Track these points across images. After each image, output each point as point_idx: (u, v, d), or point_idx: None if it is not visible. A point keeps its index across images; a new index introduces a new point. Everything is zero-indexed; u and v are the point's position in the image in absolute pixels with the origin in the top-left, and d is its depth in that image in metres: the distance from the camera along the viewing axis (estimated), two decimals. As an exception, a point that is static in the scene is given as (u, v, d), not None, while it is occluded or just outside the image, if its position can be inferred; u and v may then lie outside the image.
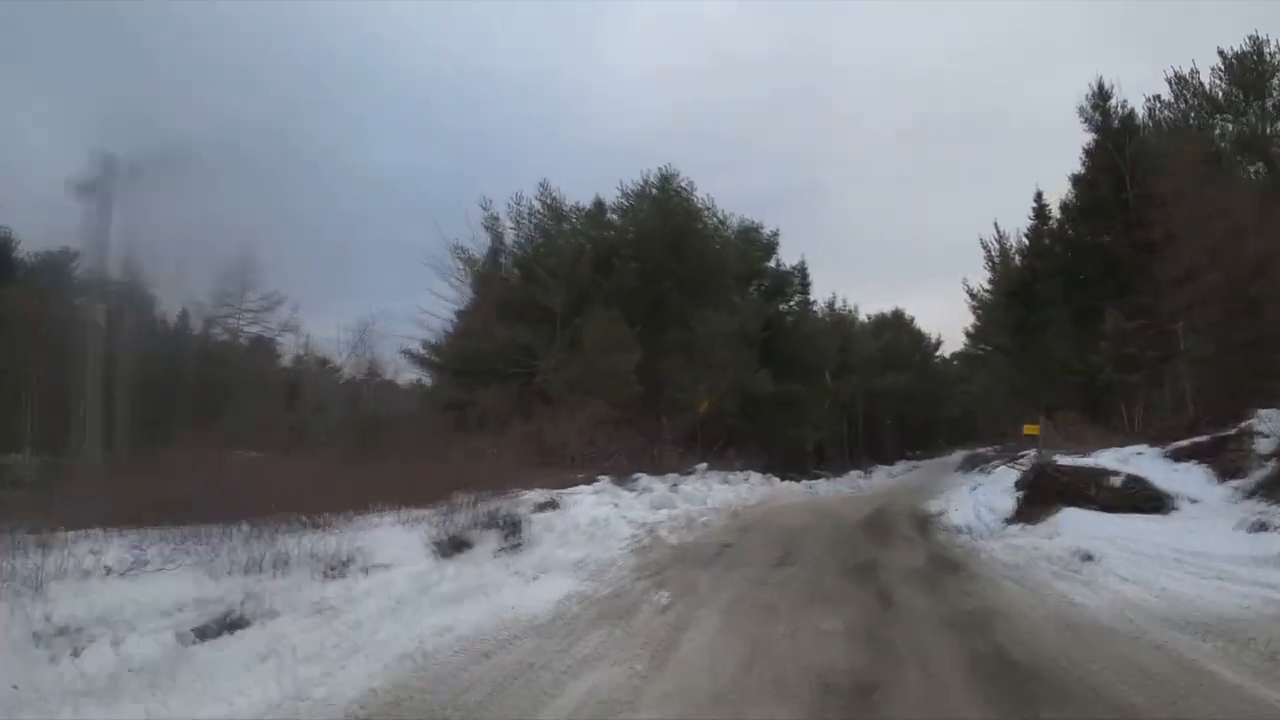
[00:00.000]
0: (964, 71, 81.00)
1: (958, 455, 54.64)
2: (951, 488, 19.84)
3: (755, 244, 26.69)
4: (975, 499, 13.39)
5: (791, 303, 27.57)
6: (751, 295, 24.11)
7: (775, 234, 27.13)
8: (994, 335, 25.58)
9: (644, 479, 13.83)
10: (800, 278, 27.46)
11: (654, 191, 21.71)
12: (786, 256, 28.53)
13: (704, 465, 16.89)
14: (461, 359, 19.68)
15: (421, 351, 21.14)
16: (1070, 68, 60.98)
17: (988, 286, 27.54)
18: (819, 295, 35.94)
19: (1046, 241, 23.92)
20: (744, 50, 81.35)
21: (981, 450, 53.71)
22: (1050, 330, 22.98)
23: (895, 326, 44.49)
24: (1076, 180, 22.50)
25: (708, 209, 22.81)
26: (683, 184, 21.62)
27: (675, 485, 14.19)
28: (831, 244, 74.24)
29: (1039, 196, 24.58)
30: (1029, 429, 15.67)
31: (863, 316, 42.28)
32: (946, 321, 73.88)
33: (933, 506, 14.67)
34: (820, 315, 30.67)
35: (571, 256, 20.21)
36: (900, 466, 37.31)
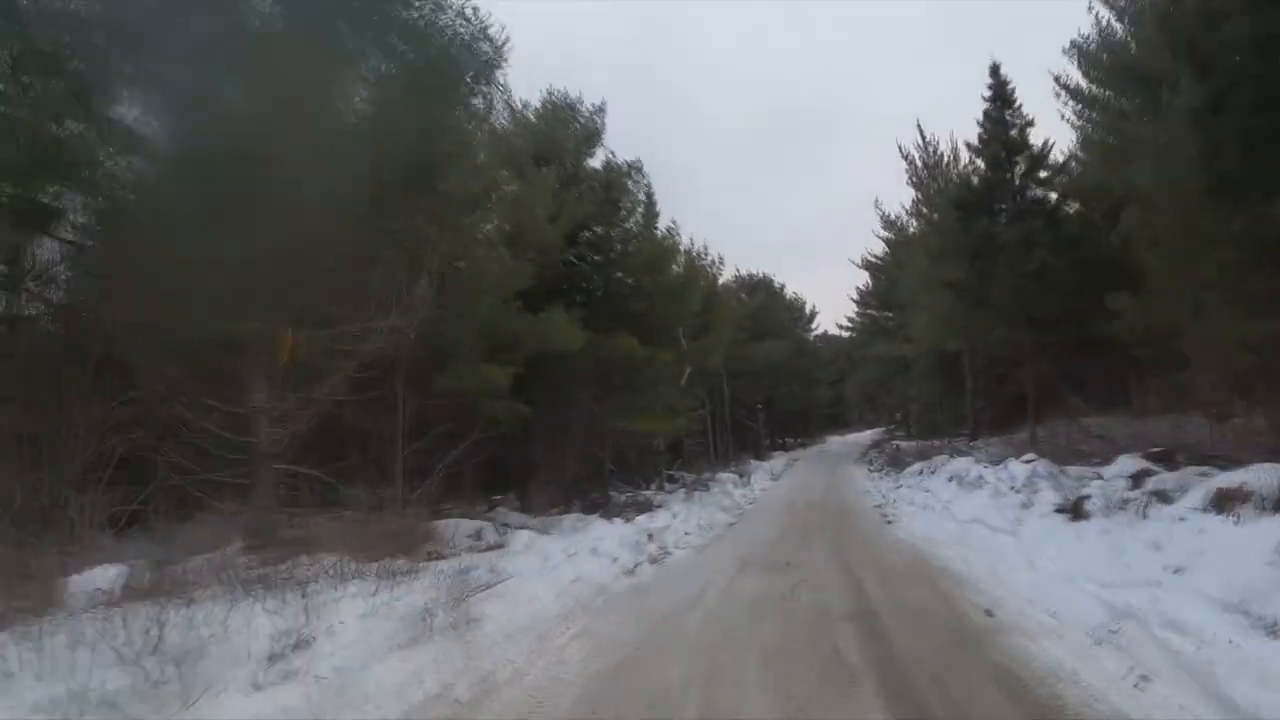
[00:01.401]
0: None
1: (836, 443, 48.82)
2: (927, 512, 10.79)
3: (567, 119, 16.39)
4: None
5: (627, 221, 17.51)
6: (546, 175, 13.74)
7: (600, 111, 16.96)
8: (937, 270, 17.26)
9: None
10: (636, 179, 17.38)
11: None
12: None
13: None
14: None
15: None
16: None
17: (912, 210, 19.47)
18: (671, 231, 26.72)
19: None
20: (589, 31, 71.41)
21: (860, 436, 46.86)
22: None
23: (766, 291, 36.51)
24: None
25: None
26: None
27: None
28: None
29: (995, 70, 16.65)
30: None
31: (728, 274, 33.80)
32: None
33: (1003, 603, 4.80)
34: (666, 241, 21.03)
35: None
36: (779, 462, 29.05)
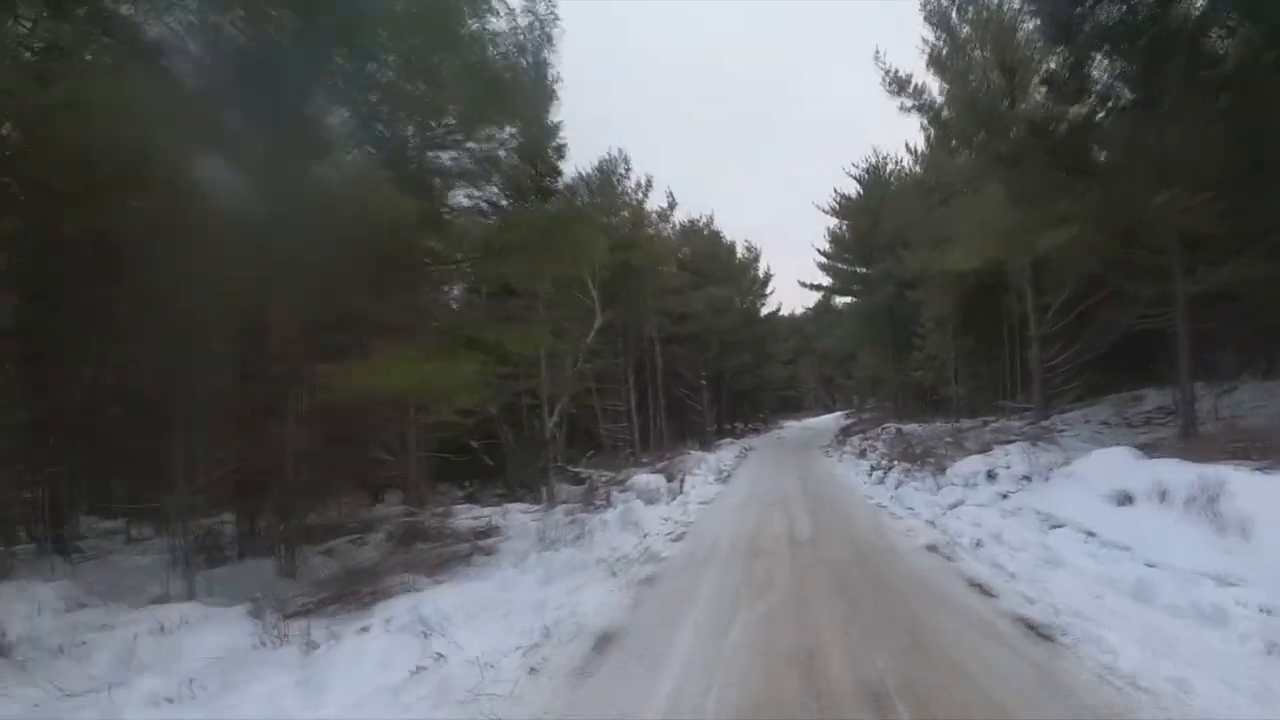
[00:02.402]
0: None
1: (795, 429, 41.58)
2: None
3: None
4: None
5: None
6: None
7: None
8: (995, 137, 9.93)
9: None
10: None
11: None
12: None
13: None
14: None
15: None
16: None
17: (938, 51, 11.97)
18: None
19: None
20: None
21: (819, 420, 39.80)
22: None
23: (711, 240, 28.81)
24: None
25: None
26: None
27: None
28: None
29: None
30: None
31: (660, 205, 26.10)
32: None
33: None
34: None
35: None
36: (729, 453, 21.59)
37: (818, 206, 27.66)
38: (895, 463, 12.05)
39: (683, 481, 13.20)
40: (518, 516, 10.08)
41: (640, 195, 21.77)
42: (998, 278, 13.59)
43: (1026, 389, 13.69)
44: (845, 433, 23.72)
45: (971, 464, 9.02)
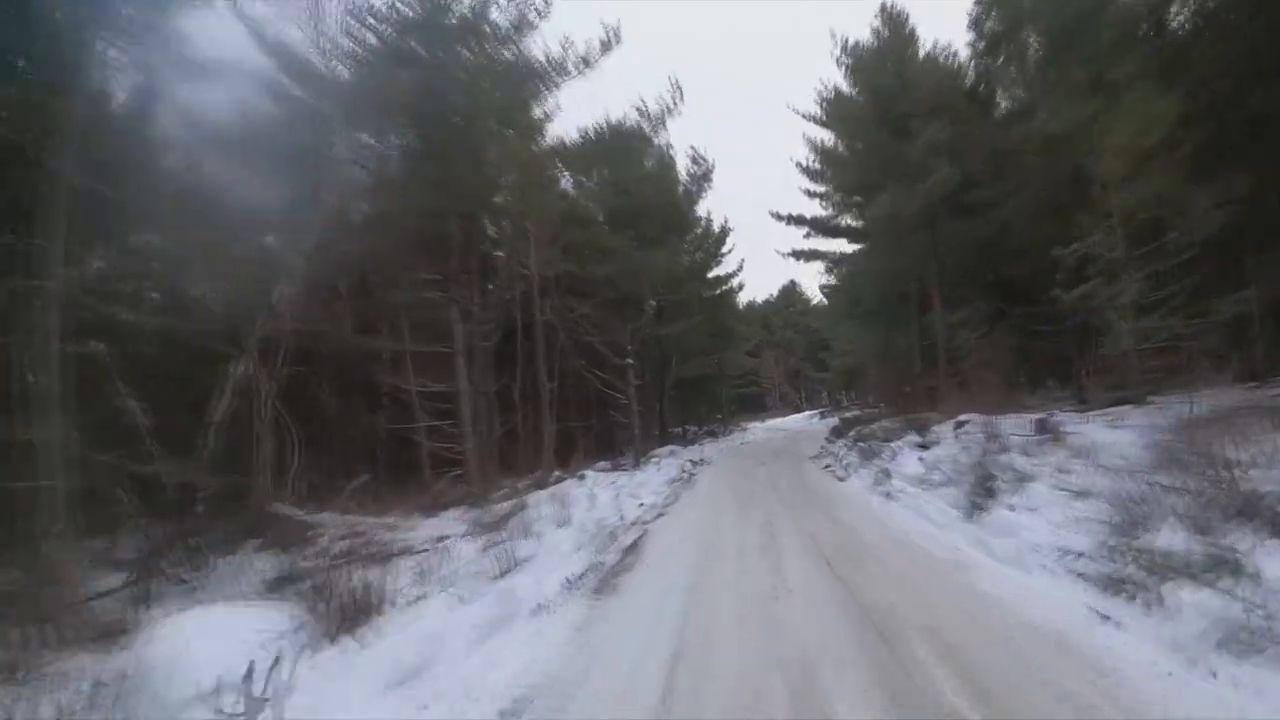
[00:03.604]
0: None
1: (761, 432, 31.65)
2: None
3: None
4: None
5: None
6: None
7: None
8: None
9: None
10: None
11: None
12: None
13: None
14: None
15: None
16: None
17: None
18: None
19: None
20: None
21: (788, 420, 31.93)
22: None
23: (638, 139, 19.20)
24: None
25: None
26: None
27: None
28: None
29: None
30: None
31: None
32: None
33: None
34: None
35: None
36: (665, 471, 12.25)
37: (797, 111, 18.22)
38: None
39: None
40: None
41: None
42: None
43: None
44: (845, 434, 14.52)
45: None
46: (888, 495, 7.51)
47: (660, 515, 7.96)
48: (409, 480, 10.13)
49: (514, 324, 14.24)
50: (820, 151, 15.46)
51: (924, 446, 9.16)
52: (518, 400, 13.50)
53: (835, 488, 9.18)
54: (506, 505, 8.01)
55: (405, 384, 11.13)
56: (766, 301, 57.87)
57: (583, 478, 10.47)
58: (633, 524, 7.25)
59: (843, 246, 17.88)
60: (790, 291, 59.70)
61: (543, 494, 8.86)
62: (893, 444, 10.24)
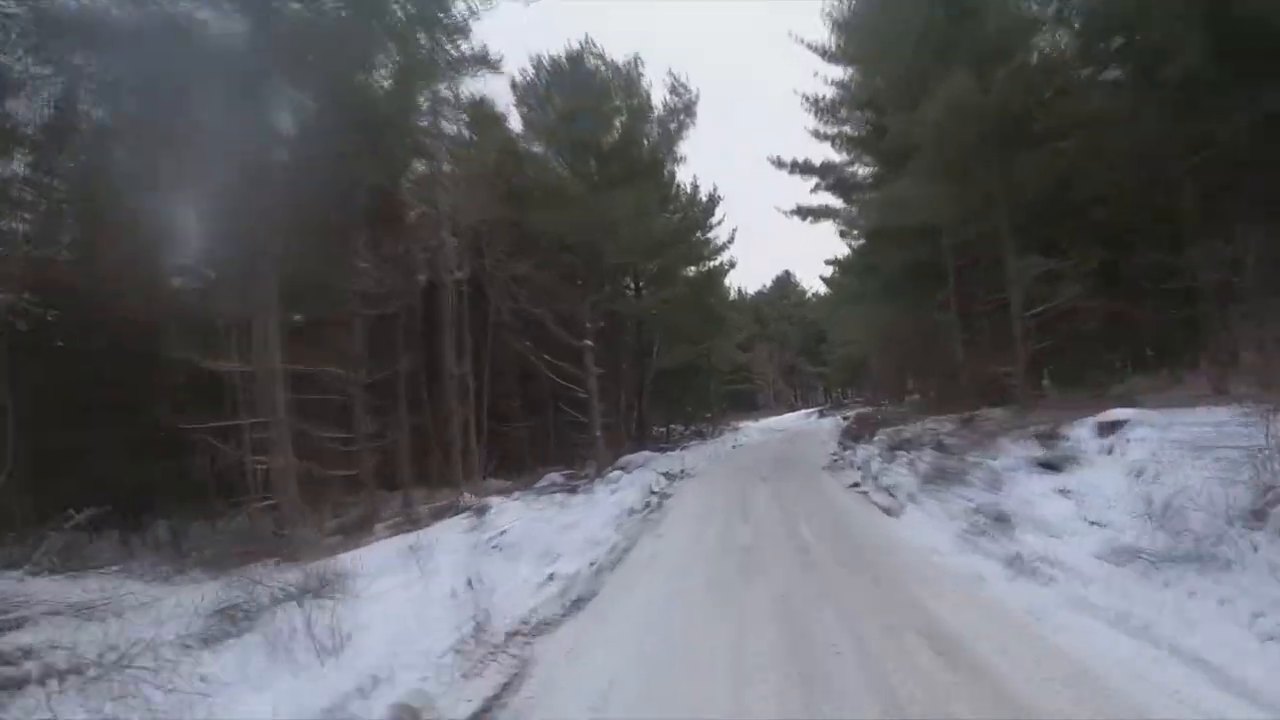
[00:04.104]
0: None
1: (756, 434, 26.52)
2: None
3: None
4: None
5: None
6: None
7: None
8: None
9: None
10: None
11: None
12: None
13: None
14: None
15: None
16: None
17: None
18: None
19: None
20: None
21: (785, 419, 29.42)
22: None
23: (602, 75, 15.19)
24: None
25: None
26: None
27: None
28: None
29: None
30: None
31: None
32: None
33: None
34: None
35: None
36: (603, 508, 8.41)
37: (800, 40, 13.97)
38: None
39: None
40: None
41: None
42: None
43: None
44: (864, 437, 10.58)
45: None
46: (1012, 566, 3.64)
47: (546, 631, 3.91)
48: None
49: (420, 288, 10.25)
50: (840, 51, 11.36)
51: (1051, 467, 5.24)
52: (401, 392, 9.46)
53: (891, 534, 5.30)
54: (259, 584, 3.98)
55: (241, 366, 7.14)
56: (759, 293, 53.64)
57: (481, 511, 6.51)
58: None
59: (861, 196, 13.90)
60: (785, 282, 55.46)
61: (366, 554, 4.91)
62: (978, 460, 6.29)
